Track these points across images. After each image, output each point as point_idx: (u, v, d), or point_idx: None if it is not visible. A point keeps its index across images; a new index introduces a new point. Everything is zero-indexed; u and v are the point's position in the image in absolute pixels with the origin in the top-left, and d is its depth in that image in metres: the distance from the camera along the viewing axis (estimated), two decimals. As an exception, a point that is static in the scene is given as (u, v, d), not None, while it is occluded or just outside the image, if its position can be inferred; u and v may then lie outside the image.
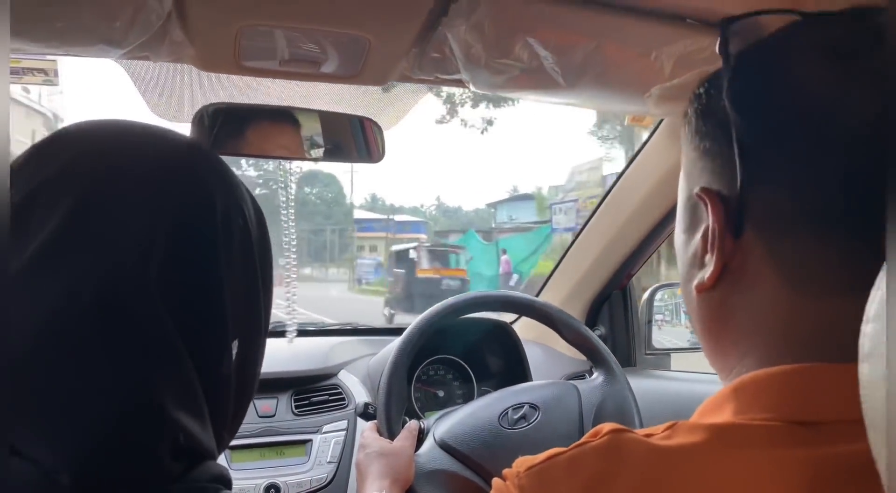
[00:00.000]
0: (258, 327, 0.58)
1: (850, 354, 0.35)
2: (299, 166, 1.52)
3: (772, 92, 0.45)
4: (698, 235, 0.49)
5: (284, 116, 1.16)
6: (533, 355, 1.55)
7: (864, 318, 0.32)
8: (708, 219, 0.47)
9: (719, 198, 0.47)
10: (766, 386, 0.43)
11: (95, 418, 0.43)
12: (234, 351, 0.53)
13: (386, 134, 1.21)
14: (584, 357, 1.27)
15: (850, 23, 0.45)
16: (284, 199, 1.45)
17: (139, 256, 0.47)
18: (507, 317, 1.70)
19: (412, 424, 1.09)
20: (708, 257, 0.47)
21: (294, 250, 1.49)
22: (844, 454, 0.38)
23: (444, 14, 0.84)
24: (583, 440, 0.46)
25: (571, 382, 1.20)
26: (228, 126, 1.10)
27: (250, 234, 0.56)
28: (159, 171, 0.51)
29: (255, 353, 0.58)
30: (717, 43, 0.47)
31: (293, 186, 1.44)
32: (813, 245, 0.43)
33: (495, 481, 0.50)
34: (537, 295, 1.71)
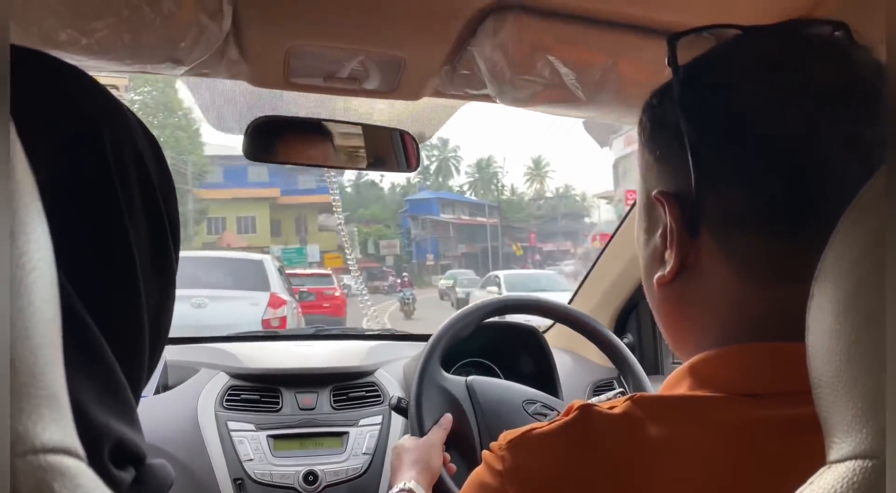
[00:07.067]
0: (170, 277, 0.51)
1: (792, 334, 0.41)
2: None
3: (717, 103, 0.49)
4: (657, 234, 0.53)
5: (332, 128, 1.25)
6: (562, 361, 1.60)
7: (811, 294, 0.38)
8: (666, 219, 0.51)
9: (676, 200, 0.51)
10: (717, 364, 0.49)
11: None
12: (145, 313, 0.47)
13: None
14: (612, 365, 1.33)
15: (781, 36, 0.50)
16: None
17: None
18: (542, 323, 1.76)
19: (446, 417, 1.14)
20: (667, 253, 0.51)
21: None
22: (785, 416, 0.43)
23: (473, 35, 0.92)
24: (558, 417, 0.52)
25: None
26: (278, 136, 1.20)
27: (149, 173, 0.48)
28: (24, 99, 0.39)
29: (168, 307, 0.52)
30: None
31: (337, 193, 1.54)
32: (760, 240, 0.48)
33: (485, 453, 0.55)
34: (569, 302, 1.77)
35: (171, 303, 0.52)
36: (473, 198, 53.15)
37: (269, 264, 8.83)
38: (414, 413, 1.12)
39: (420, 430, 1.11)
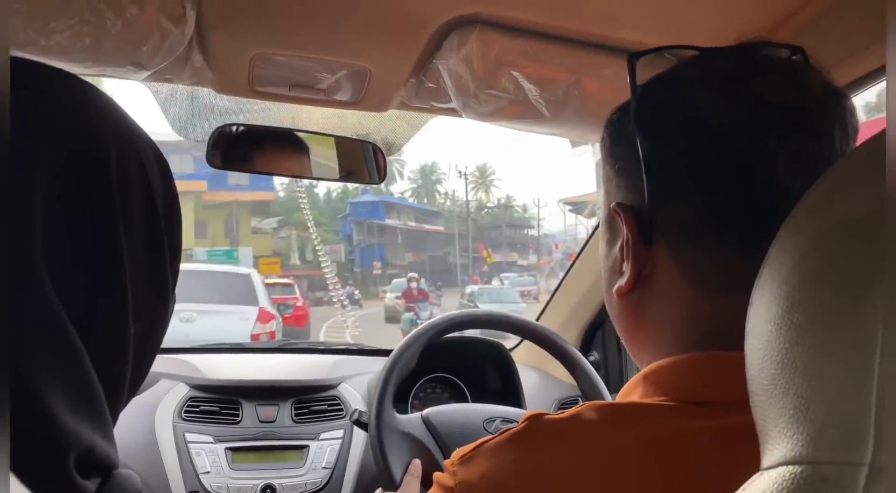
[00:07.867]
0: (164, 294, 0.51)
1: (741, 344, 0.41)
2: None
3: (670, 118, 0.51)
4: (617, 247, 0.54)
5: (301, 139, 1.24)
6: (529, 378, 1.60)
7: (750, 302, 0.38)
8: (623, 231, 0.53)
9: (632, 212, 0.52)
10: (667, 373, 0.50)
11: None
12: (133, 329, 0.47)
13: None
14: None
15: (736, 56, 0.52)
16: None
17: (18, 221, 0.39)
18: (510, 340, 1.75)
19: (415, 464, 1.11)
20: (625, 264, 0.53)
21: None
22: (730, 424, 0.44)
23: (438, 48, 0.93)
24: (508, 427, 0.53)
25: None
26: (245, 146, 1.19)
27: (153, 190, 0.49)
28: (36, 112, 0.42)
29: (159, 327, 0.52)
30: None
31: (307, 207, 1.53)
32: (710, 251, 0.49)
33: (436, 475, 0.55)
34: (538, 319, 1.77)
35: (163, 322, 0.52)
36: (417, 204, 52.74)
37: (256, 277, 8.84)
38: (383, 469, 1.09)
39: (392, 484, 1.07)
